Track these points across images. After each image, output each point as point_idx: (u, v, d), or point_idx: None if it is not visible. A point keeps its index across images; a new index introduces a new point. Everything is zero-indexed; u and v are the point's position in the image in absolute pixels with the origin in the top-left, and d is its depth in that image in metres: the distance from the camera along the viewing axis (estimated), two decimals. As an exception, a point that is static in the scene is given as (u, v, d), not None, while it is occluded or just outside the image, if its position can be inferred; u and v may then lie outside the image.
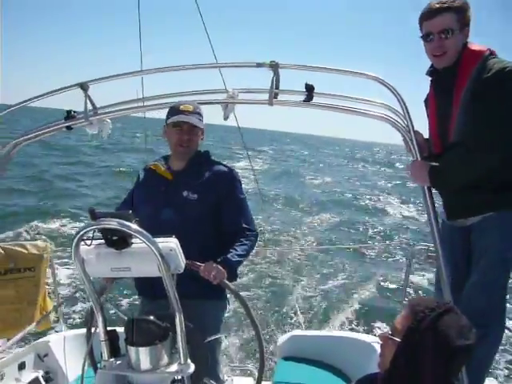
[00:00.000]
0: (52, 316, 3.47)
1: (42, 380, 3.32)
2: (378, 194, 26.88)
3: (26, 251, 3.31)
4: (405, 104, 2.16)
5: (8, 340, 3.22)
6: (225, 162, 2.73)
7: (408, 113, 2.16)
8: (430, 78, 2.52)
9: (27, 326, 3.26)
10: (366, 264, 11.98)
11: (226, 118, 2.42)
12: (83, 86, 2.48)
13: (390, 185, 33.48)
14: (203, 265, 2.25)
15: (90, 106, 2.53)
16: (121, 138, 49.23)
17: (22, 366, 3.27)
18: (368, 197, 25.18)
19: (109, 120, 2.60)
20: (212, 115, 2.75)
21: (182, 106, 2.52)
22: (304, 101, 2.23)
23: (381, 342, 1.54)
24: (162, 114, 2.66)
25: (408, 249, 3.92)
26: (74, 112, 2.55)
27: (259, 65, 2.27)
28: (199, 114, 2.57)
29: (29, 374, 3.30)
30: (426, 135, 2.48)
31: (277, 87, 2.26)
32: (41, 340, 3.52)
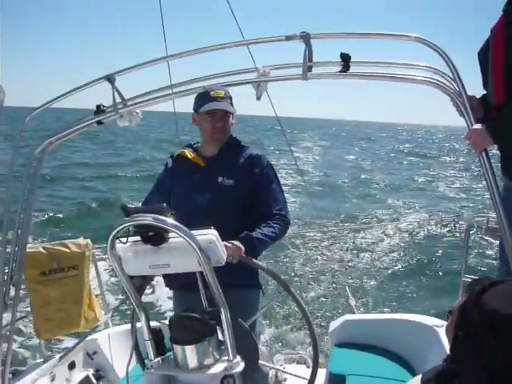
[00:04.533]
0: (98, 313, 3.45)
1: (92, 378, 3.31)
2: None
3: (68, 250, 3.28)
4: (453, 65, 1.95)
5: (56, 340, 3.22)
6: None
7: (458, 74, 1.95)
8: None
9: (74, 324, 3.26)
10: (418, 242, 11.65)
11: (258, 98, 2.29)
12: (110, 79, 2.41)
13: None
14: None
15: (118, 99, 2.47)
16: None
17: (71, 366, 3.27)
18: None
19: (138, 111, 2.53)
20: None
21: (212, 92, 2.47)
22: (340, 71, 2.06)
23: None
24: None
25: (465, 221, 3.70)
26: (103, 106, 2.49)
27: (289, 38, 2.11)
28: (230, 98, 2.54)
29: (79, 373, 3.29)
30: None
31: (310, 60, 2.10)
32: (89, 338, 3.50)
